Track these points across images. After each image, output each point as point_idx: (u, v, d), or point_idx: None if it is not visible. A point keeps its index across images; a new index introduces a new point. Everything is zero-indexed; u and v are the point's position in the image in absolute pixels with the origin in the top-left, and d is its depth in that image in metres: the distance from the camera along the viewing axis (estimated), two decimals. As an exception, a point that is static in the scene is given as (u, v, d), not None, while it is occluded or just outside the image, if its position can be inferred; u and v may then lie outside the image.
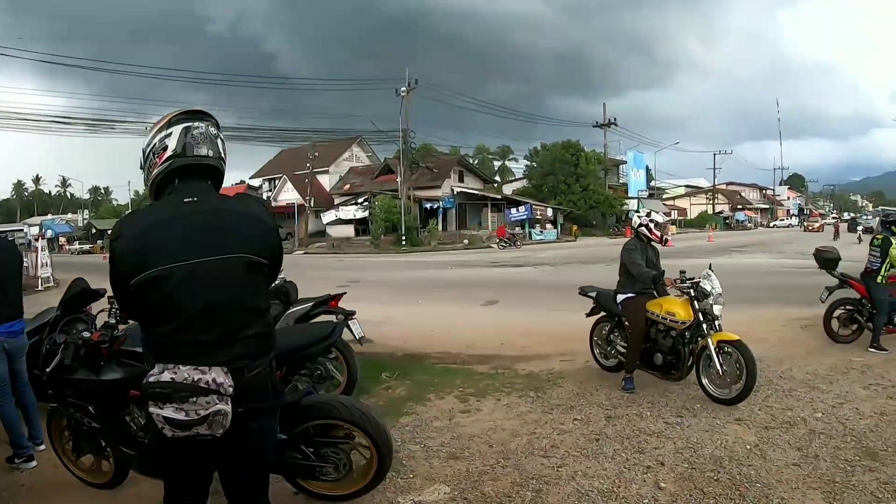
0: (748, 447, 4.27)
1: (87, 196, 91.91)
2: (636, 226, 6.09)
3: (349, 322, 5.86)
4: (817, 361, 6.64)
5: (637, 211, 6.31)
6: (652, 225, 5.97)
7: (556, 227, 44.55)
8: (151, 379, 2.04)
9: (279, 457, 3.28)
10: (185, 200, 2.19)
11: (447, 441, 4.64)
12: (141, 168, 2.35)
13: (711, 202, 72.43)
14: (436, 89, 54.55)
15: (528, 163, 63.44)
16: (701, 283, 5.41)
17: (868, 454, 4.06)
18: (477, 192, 45.79)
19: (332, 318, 5.82)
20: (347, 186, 49.00)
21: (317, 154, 45.29)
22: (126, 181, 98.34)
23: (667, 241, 6.26)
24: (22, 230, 46.75)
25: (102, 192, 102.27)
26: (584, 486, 3.72)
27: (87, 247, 55.48)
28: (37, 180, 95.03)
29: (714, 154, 69.35)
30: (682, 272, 5.73)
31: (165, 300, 2.08)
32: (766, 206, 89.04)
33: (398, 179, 40.85)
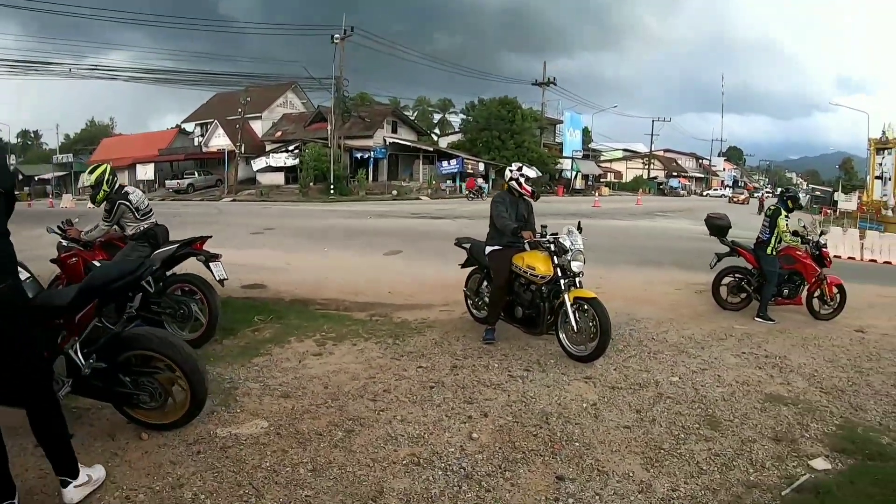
0: (584, 406, 4.23)
1: (15, 140, 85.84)
2: (507, 179, 6.03)
3: (210, 264, 5.82)
4: (697, 326, 6.65)
5: (509, 166, 6.29)
6: (522, 179, 5.93)
7: (487, 181, 44.51)
8: None
9: (103, 384, 3.50)
10: None
11: (287, 381, 4.67)
12: None
13: (647, 167, 73.70)
14: (380, 39, 53.14)
15: (464, 117, 63.13)
16: (559, 239, 5.39)
17: (710, 423, 3.99)
18: (409, 144, 45.22)
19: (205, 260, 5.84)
20: (279, 133, 47.54)
21: (248, 99, 43.57)
22: (55, 125, 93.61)
23: (538, 195, 6.23)
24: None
25: (32, 136, 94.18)
26: (396, 430, 3.78)
27: (14, 193, 52.84)
28: None
29: (653, 120, 70.09)
30: (544, 227, 5.79)
31: None
32: (702, 176, 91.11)
33: (329, 128, 40.00)
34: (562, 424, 3.92)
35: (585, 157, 58.40)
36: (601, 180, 61.67)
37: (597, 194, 41.67)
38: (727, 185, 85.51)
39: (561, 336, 5.32)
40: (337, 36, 38.28)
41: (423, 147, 45.61)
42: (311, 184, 39.06)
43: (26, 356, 2.75)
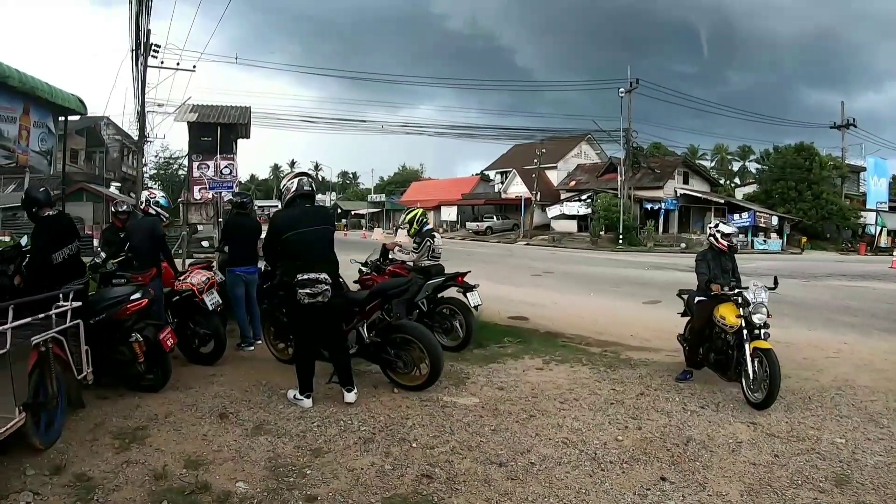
0: (730, 441, 4.66)
1: (336, 180, 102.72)
2: (707, 235, 6.80)
3: (467, 293, 7.73)
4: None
5: (710, 222, 6.97)
6: (718, 235, 6.58)
7: (781, 236, 40.89)
8: None
9: (376, 352, 5.68)
10: (306, 206, 5.32)
11: (506, 380, 6.20)
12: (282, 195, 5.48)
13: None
14: (665, 89, 53.24)
15: (759, 166, 58.84)
16: (744, 293, 5.89)
17: (838, 481, 4.01)
18: (699, 195, 43.93)
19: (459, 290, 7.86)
20: (573, 182, 50.09)
21: (544, 150, 47.22)
22: (370, 168, 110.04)
23: (735, 248, 6.75)
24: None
25: (351, 176, 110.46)
26: (565, 422, 4.97)
27: (333, 224, 64.46)
28: (292, 164, 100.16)
29: None
30: (733, 281, 6.35)
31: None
32: None
33: (619, 179, 41.26)
34: (697, 449, 4.50)
35: (892, 209, 49.88)
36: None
37: (896, 253, 35.25)
38: None
39: (742, 382, 5.72)
40: (622, 89, 39.79)
41: (714, 199, 43.87)
42: (602, 233, 40.48)
43: (340, 328, 5.39)
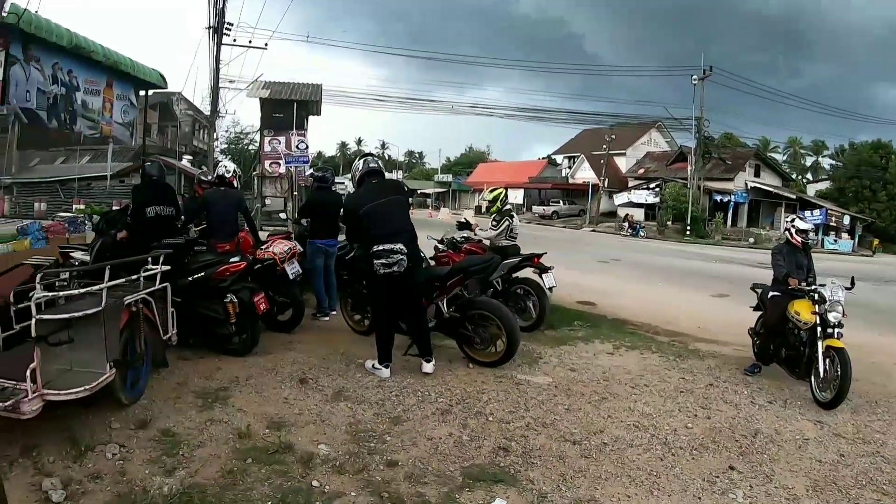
0: (797, 437, 4.71)
1: (402, 159, 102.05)
2: (783, 230, 6.74)
3: (543, 275, 7.78)
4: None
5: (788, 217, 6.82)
6: (793, 230, 6.53)
7: (852, 237, 38.47)
8: None
9: (454, 327, 5.90)
10: (374, 182, 5.56)
11: (578, 363, 6.35)
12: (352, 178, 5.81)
13: None
14: (739, 78, 50.58)
15: (833, 162, 56.00)
16: (821, 290, 5.79)
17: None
18: (770, 190, 42.14)
19: (536, 271, 7.92)
20: (642, 170, 48.98)
21: (613, 136, 46.35)
22: (437, 149, 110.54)
23: (810, 245, 6.62)
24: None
25: (417, 156, 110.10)
26: (636, 407, 5.10)
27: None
28: (358, 142, 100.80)
29: None
30: (810, 278, 6.29)
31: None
32: None
33: (689, 168, 40.12)
34: (765, 442, 4.56)
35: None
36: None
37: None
38: None
39: (811, 380, 5.66)
40: (695, 77, 38.34)
41: (785, 194, 41.99)
42: (669, 223, 39.63)
43: (418, 299, 5.54)
